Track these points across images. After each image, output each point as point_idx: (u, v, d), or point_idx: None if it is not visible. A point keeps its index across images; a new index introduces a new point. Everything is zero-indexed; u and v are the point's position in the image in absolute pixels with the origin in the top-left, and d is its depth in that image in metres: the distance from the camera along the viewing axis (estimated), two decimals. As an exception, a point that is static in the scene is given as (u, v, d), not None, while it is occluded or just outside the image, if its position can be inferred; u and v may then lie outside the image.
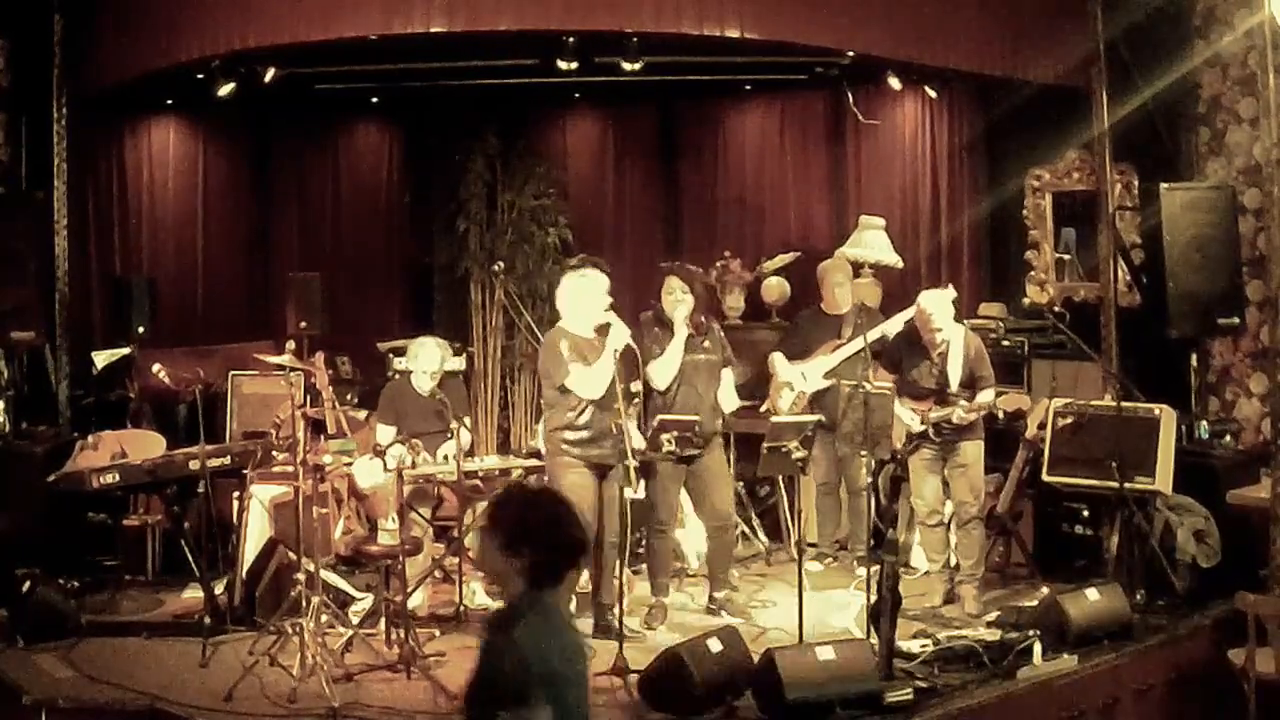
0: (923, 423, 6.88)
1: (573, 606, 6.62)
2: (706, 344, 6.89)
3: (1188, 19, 7.94)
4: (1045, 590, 6.85)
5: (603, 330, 6.43)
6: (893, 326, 7.58)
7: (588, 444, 6.37)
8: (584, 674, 3.36)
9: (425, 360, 7.19)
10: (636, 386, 7.21)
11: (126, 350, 8.73)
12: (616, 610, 6.26)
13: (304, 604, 5.90)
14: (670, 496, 6.90)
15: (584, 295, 6.48)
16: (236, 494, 7.12)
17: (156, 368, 7.24)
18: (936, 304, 6.91)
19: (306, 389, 7.51)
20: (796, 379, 7.81)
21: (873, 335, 7.20)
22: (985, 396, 6.84)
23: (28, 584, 6.49)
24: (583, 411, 6.36)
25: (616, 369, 6.28)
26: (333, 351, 8.72)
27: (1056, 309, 8.04)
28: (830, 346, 7.83)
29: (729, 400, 7.00)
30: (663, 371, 6.76)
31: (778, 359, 7.95)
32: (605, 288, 6.48)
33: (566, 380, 6.36)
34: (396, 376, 7.97)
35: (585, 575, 6.91)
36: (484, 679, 3.26)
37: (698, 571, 7.53)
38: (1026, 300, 8.68)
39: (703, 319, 6.92)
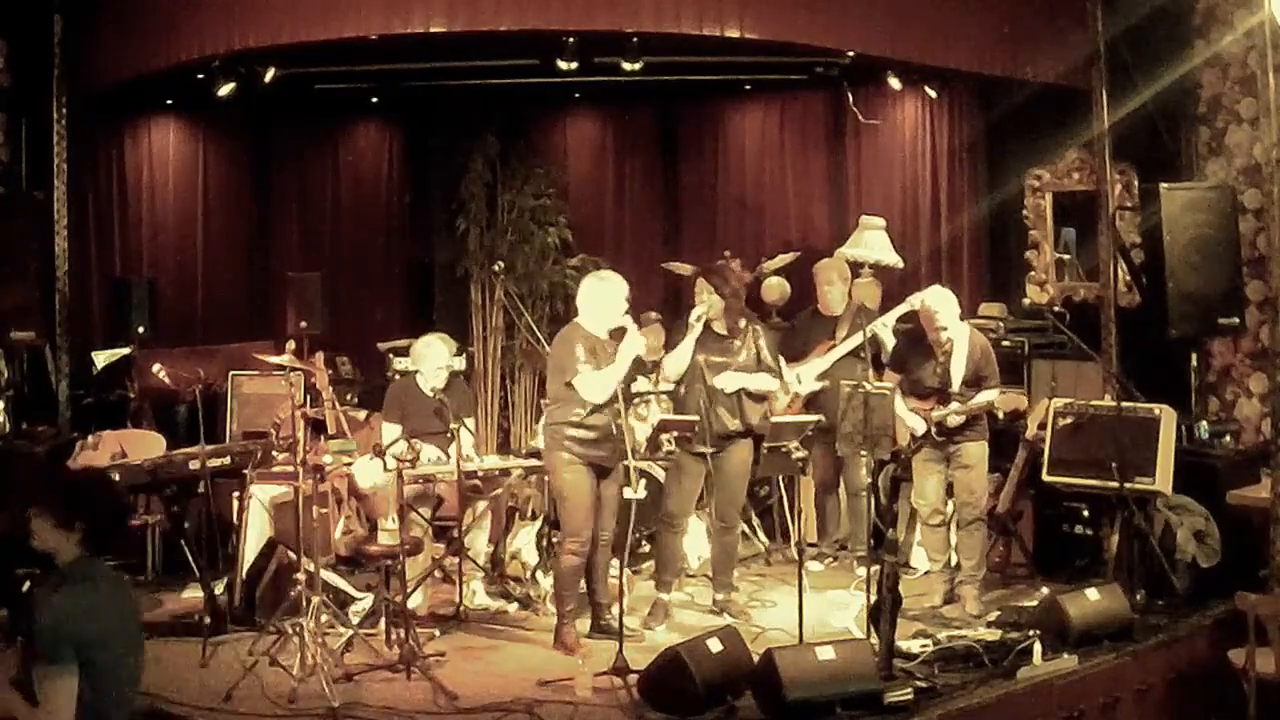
0: (926, 423, 6.87)
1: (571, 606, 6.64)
2: (735, 345, 6.80)
3: (1188, 19, 7.94)
4: (1045, 590, 6.86)
5: (617, 334, 6.43)
6: (889, 320, 7.57)
7: (591, 444, 6.34)
8: (127, 633, 3.83)
9: (434, 358, 7.18)
10: (638, 386, 7.20)
11: (126, 350, 8.73)
12: (615, 609, 6.25)
13: (304, 604, 5.89)
14: (685, 492, 6.85)
15: (604, 298, 6.44)
16: (236, 494, 7.12)
17: (156, 368, 7.24)
18: (942, 302, 6.90)
19: (306, 389, 7.51)
20: (792, 381, 7.81)
21: (866, 333, 7.19)
22: (984, 396, 6.83)
23: (28, 584, 6.48)
24: (592, 412, 6.34)
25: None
26: (333, 351, 8.73)
27: (1056, 309, 8.04)
28: (824, 348, 7.83)
29: (724, 380, 6.75)
30: (671, 365, 6.77)
31: None
32: (624, 293, 6.45)
33: (575, 380, 6.35)
34: (397, 376, 7.97)
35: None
36: (31, 635, 3.70)
37: (698, 571, 7.53)
38: (1026, 300, 8.68)
39: (739, 323, 6.86)
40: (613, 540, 6.53)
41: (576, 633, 6.41)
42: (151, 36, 7.73)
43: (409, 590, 6.47)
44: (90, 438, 7.43)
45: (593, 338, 6.41)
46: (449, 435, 6.86)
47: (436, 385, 7.16)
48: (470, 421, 7.42)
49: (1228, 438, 7.57)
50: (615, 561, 6.51)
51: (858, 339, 7.28)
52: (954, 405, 6.79)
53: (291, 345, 7.24)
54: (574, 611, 6.46)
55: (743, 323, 6.86)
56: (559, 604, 6.47)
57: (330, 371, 8.01)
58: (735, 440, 6.77)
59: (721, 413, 6.70)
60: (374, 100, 10.66)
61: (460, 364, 7.81)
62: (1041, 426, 7.23)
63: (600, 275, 6.68)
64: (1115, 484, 6.64)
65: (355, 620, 6.42)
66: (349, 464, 6.76)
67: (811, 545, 7.92)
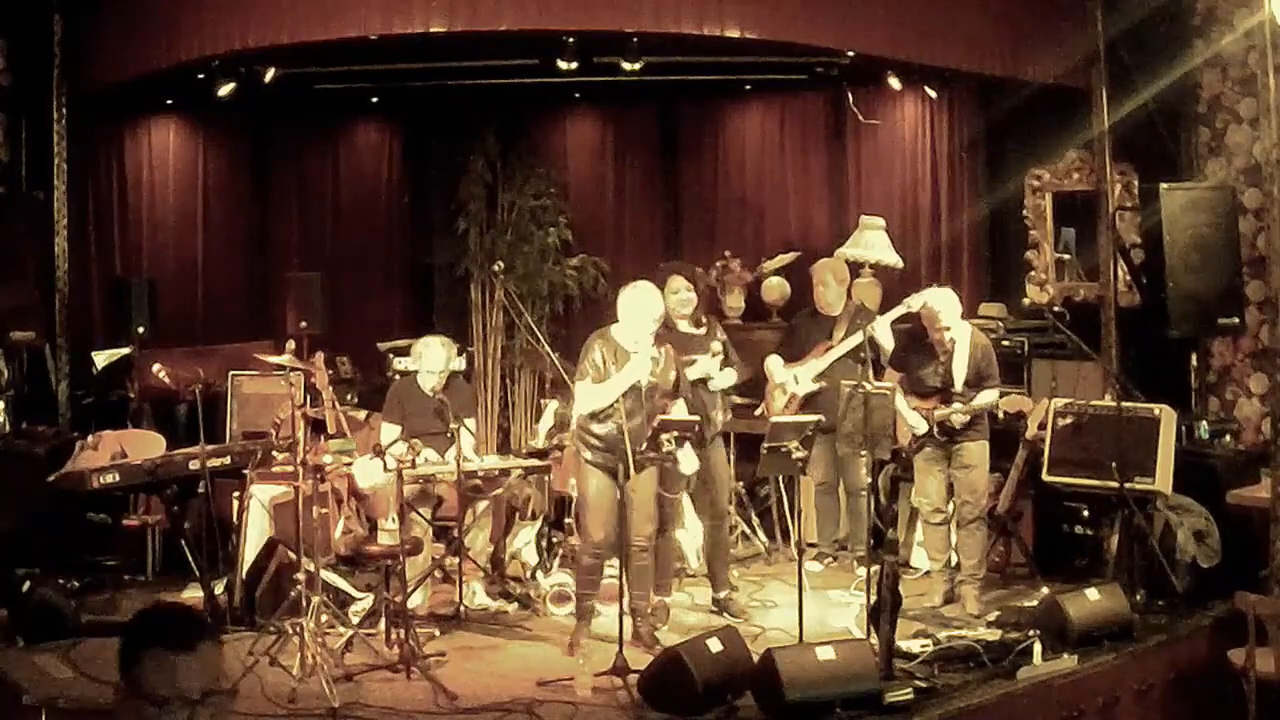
0: (927, 422, 6.87)
1: (571, 607, 6.64)
2: (705, 342, 6.88)
3: (1188, 19, 7.95)
4: (1045, 590, 6.85)
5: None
6: (882, 326, 7.55)
7: (599, 450, 6.31)
8: None
9: (431, 359, 7.19)
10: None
11: (126, 350, 8.74)
12: (648, 609, 6.38)
13: (304, 604, 5.89)
14: (675, 496, 6.88)
15: (628, 308, 6.35)
16: (236, 494, 7.12)
17: (156, 368, 7.25)
18: (944, 303, 6.90)
19: (306, 389, 7.51)
20: (789, 382, 7.81)
21: (860, 338, 7.20)
22: (985, 397, 6.83)
23: (28, 584, 6.49)
24: (598, 419, 6.32)
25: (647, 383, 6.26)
26: (333, 351, 8.72)
27: (1056, 309, 8.03)
28: (822, 348, 7.83)
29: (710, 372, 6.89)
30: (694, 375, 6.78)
31: (773, 362, 7.93)
32: (654, 307, 6.31)
33: (576, 386, 6.37)
34: (398, 376, 7.97)
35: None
36: None
37: (698, 571, 7.53)
38: (1026, 300, 8.68)
39: (702, 318, 6.92)
40: (649, 546, 6.46)
41: (583, 634, 6.35)
42: (151, 36, 7.73)
43: (409, 590, 6.47)
44: (90, 438, 7.42)
45: (615, 346, 6.35)
46: (449, 436, 6.86)
47: (435, 386, 7.17)
48: (471, 422, 7.41)
49: (1228, 438, 7.57)
50: (615, 561, 6.52)
51: (856, 339, 7.28)
52: (957, 405, 6.79)
53: (291, 345, 7.24)
54: (590, 609, 6.44)
55: (703, 319, 6.95)
56: (577, 600, 6.52)
57: (330, 371, 8.00)
58: (717, 438, 6.90)
59: (711, 413, 6.76)
60: (374, 100, 10.65)
61: (460, 364, 7.82)
62: (1041, 426, 7.22)
63: (635, 284, 6.49)
64: (1115, 484, 6.64)
65: (355, 620, 6.42)
66: (349, 464, 6.76)
67: (811, 545, 7.92)
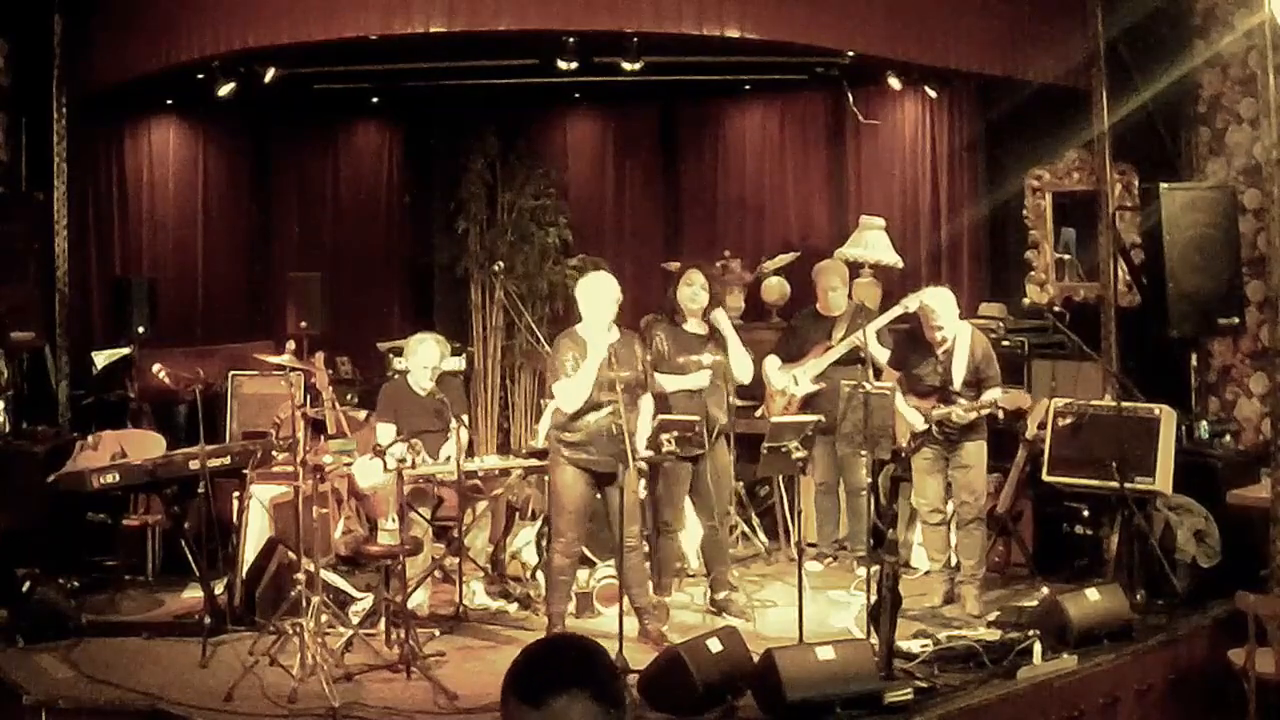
0: (926, 421, 6.87)
1: (571, 607, 6.64)
2: (709, 347, 6.87)
3: (1188, 19, 7.95)
4: (1045, 590, 6.86)
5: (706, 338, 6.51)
6: (872, 336, 7.53)
7: (578, 446, 6.34)
8: None
9: (423, 355, 7.19)
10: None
11: (126, 350, 8.73)
12: (662, 616, 6.41)
13: (304, 604, 5.89)
14: (678, 497, 6.88)
15: (586, 298, 6.46)
16: (236, 494, 7.12)
17: (156, 368, 7.24)
18: (940, 302, 6.90)
19: (306, 389, 7.51)
20: (789, 383, 7.81)
21: (856, 340, 7.19)
22: (989, 395, 6.83)
23: (28, 584, 6.50)
24: (578, 414, 6.34)
25: (614, 373, 6.26)
26: (333, 351, 8.73)
27: (1056, 309, 8.04)
28: (821, 349, 7.83)
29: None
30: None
31: (770, 363, 7.92)
32: (609, 292, 6.42)
33: (554, 386, 6.38)
34: (396, 376, 7.97)
35: (584, 576, 6.93)
36: None
37: (698, 571, 7.53)
38: (1026, 300, 8.68)
39: (710, 318, 6.92)
40: (640, 545, 6.52)
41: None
42: (151, 36, 7.73)
43: (409, 590, 6.47)
44: (90, 438, 7.42)
45: (581, 342, 6.39)
46: (448, 434, 6.86)
47: (425, 385, 7.16)
48: (465, 419, 7.40)
49: (1228, 438, 7.57)
50: (613, 562, 6.52)
51: (854, 340, 7.29)
52: (961, 403, 6.79)
53: (291, 345, 7.25)
54: (561, 614, 6.44)
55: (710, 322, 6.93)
56: (546, 605, 6.49)
57: (330, 371, 8.01)
58: (721, 436, 6.87)
59: (713, 410, 6.77)
60: (374, 100, 10.65)
61: (454, 364, 7.81)
62: (1041, 426, 7.23)
63: (588, 275, 6.68)
64: (1115, 484, 6.64)
65: (355, 620, 6.42)
66: (349, 464, 6.76)
67: (811, 545, 7.92)
